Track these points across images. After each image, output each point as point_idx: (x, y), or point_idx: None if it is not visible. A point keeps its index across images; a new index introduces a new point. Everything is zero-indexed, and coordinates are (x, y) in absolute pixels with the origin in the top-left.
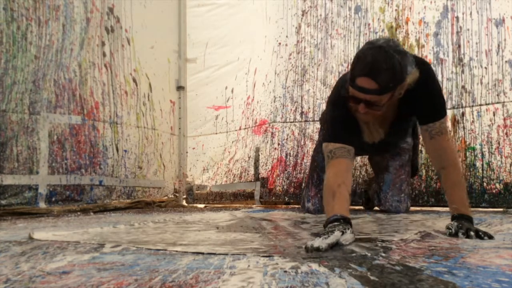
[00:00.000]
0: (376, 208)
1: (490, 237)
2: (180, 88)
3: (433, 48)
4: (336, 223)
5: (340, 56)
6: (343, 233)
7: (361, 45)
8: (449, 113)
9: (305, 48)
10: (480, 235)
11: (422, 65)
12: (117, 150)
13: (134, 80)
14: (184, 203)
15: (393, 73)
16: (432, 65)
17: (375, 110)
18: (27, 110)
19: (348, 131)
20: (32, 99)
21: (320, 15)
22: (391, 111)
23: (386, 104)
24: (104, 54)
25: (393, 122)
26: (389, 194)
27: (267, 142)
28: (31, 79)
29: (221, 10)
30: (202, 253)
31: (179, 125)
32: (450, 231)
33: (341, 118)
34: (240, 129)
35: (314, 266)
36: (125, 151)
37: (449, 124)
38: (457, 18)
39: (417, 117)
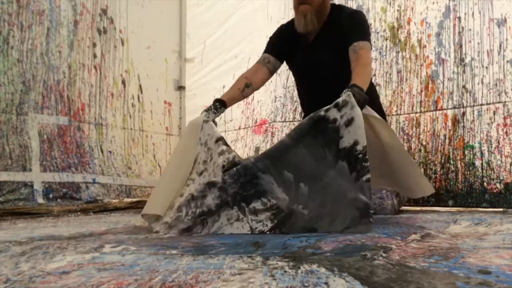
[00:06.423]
0: None
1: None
2: (180, 88)
3: (435, 48)
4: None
5: None
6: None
7: None
8: (449, 113)
9: None
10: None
11: None
12: (102, 151)
13: (123, 82)
14: None
15: None
16: (433, 65)
17: (309, 1)
18: (14, 111)
19: (278, 41)
20: (21, 100)
21: None
22: (320, 16)
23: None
24: (94, 56)
25: (323, 25)
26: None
27: (267, 141)
28: (18, 80)
29: (219, 9)
30: (202, 253)
31: (179, 125)
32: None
33: (277, 33)
34: (239, 128)
35: (314, 266)
36: (110, 152)
37: (449, 123)
38: (459, 18)
39: (345, 39)
